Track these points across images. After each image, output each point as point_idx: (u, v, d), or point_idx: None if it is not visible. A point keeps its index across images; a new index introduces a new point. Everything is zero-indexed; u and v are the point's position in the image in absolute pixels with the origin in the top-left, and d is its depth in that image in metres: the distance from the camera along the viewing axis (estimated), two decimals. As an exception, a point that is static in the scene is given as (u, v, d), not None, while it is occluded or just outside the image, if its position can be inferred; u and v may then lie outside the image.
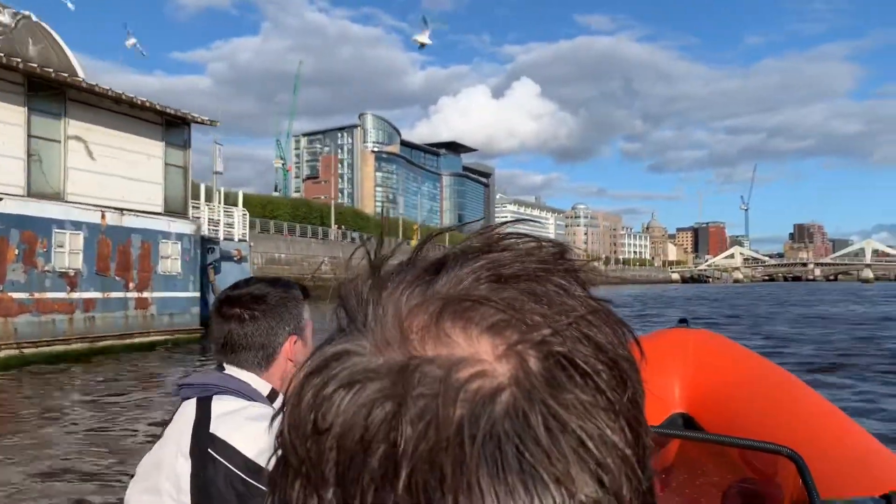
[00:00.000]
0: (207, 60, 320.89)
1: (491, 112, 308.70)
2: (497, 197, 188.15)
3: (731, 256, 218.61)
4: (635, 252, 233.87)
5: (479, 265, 0.33)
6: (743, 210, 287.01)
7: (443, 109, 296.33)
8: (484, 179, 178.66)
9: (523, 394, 0.29)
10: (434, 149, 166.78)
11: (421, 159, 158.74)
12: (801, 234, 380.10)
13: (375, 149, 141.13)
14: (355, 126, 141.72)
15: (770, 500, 1.69)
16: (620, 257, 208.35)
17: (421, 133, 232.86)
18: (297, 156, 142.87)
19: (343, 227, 57.25)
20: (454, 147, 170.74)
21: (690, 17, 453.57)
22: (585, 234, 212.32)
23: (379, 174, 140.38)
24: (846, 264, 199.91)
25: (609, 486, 0.28)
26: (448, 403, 0.29)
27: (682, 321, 3.12)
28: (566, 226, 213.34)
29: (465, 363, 0.30)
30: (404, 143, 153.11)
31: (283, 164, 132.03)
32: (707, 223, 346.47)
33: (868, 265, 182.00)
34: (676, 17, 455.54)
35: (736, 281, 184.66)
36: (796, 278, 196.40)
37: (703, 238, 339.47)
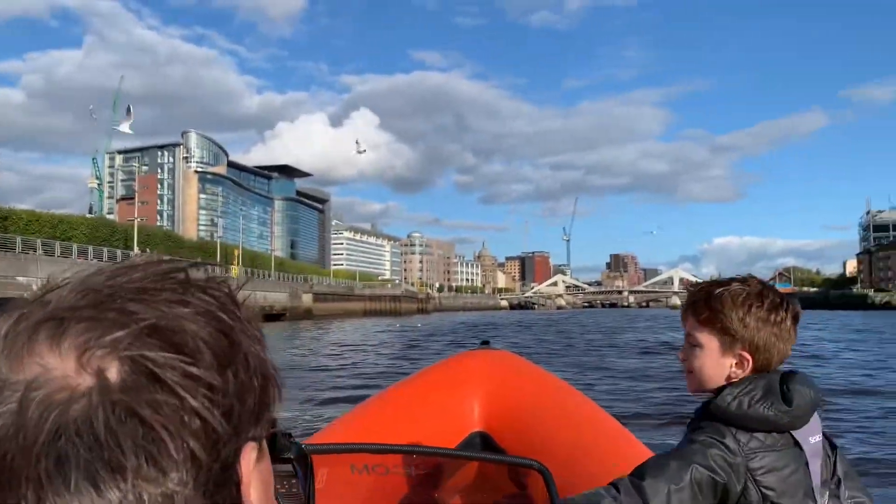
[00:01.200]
0: (21, 72, 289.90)
1: (329, 140, 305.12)
2: (332, 223, 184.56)
3: (555, 284, 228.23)
4: (467, 280, 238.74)
5: (82, 288, 0.37)
6: (565, 241, 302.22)
7: (280, 135, 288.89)
8: (319, 205, 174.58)
9: (96, 399, 0.33)
10: (265, 172, 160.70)
11: (251, 182, 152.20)
12: (617, 264, 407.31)
13: (199, 169, 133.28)
14: (177, 144, 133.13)
15: None
16: (453, 284, 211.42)
17: (257, 158, 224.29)
18: (112, 175, 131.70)
19: (150, 249, 52.14)
20: (288, 171, 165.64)
21: (516, 60, 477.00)
22: (420, 261, 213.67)
23: (203, 196, 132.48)
24: (657, 291, 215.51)
25: (170, 473, 0.33)
26: (23, 415, 0.32)
27: (485, 343, 3.20)
28: (402, 253, 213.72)
29: (47, 379, 0.34)
30: (232, 165, 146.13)
31: (98, 184, 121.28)
32: (533, 253, 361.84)
33: (676, 293, 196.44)
34: (503, 59, 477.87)
35: (559, 307, 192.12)
36: (613, 305, 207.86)
37: (529, 266, 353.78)
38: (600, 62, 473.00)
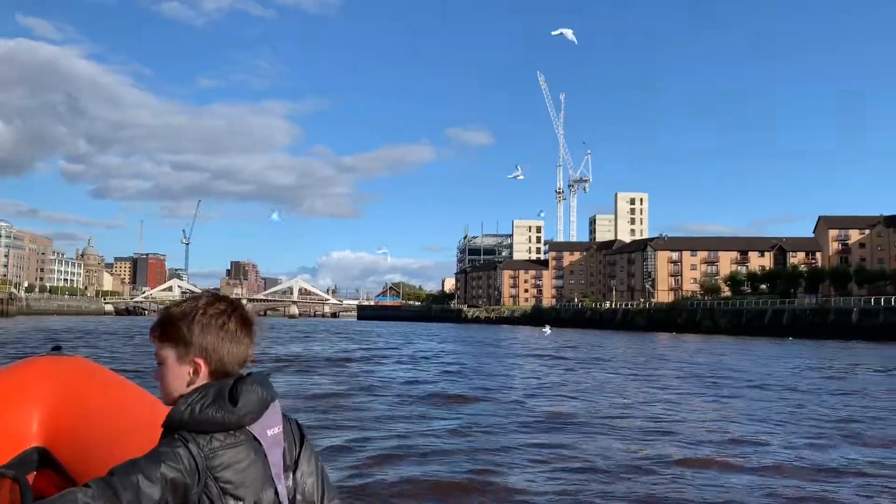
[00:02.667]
0: None
1: None
2: None
3: (170, 289, 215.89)
4: (66, 280, 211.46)
5: None
6: (184, 244, 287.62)
7: None
8: None
9: None
10: None
11: None
12: (237, 271, 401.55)
13: None
14: None
15: None
16: (48, 285, 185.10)
17: None
18: None
19: None
20: None
21: (144, 47, 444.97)
22: (6, 256, 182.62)
23: None
24: (276, 301, 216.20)
25: None
26: None
27: (56, 349, 2.87)
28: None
29: None
30: None
31: None
32: (148, 254, 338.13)
33: (295, 302, 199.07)
34: (129, 44, 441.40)
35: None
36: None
37: (142, 269, 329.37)
38: (235, 67, 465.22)
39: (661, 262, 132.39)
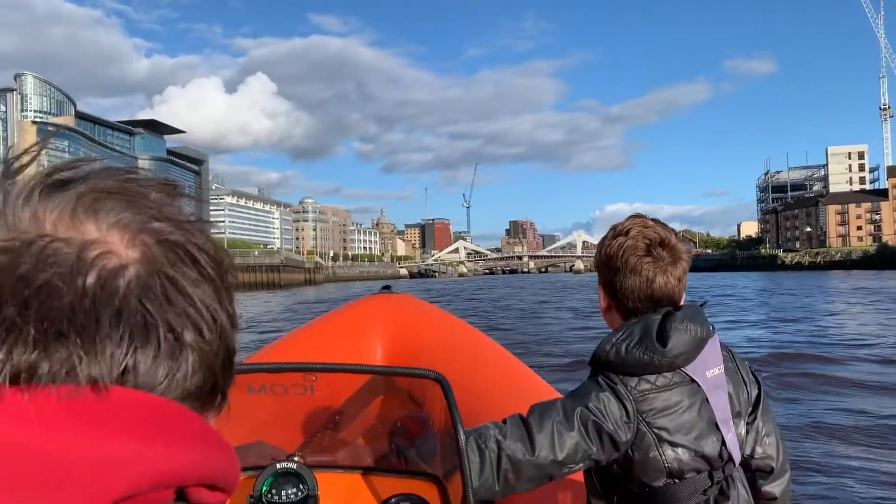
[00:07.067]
0: None
1: (223, 106, 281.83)
2: (213, 187, 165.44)
3: (456, 251, 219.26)
4: (365, 248, 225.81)
5: (110, 177, 0.40)
6: (465, 208, 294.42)
7: (169, 100, 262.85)
8: (195, 167, 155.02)
9: (146, 268, 0.37)
10: (127, 126, 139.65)
11: (108, 138, 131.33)
12: (516, 230, 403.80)
13: (38, 119, 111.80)
14: (9, 90, 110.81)
15: (427, 424, 1.97)
16: (350, 253, 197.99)
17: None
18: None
19: None
20: (155, 126, 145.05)
21: (417, 27, 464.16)
22: (314, 229, 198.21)
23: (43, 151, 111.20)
24: (558, 256, 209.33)
25: (205, 336, 0.39)
26: (78, 273, 0.34)
27: (386, 287, 3.32)
28: (294, 220, 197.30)
29: (96, 245, 0.35)
30: (82, 116, 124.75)
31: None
32: (433, 220, 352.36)
33: (579, 257, 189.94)
34: (404, 26, 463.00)
35: (461, 275, 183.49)
36: (513, 271, 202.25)
37: (429, 234, 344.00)
38: (500, 32, 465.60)
39: None
